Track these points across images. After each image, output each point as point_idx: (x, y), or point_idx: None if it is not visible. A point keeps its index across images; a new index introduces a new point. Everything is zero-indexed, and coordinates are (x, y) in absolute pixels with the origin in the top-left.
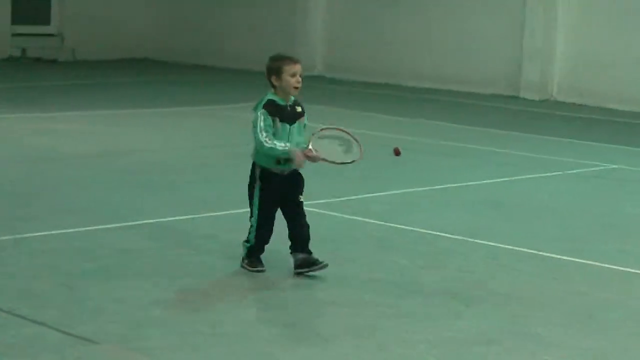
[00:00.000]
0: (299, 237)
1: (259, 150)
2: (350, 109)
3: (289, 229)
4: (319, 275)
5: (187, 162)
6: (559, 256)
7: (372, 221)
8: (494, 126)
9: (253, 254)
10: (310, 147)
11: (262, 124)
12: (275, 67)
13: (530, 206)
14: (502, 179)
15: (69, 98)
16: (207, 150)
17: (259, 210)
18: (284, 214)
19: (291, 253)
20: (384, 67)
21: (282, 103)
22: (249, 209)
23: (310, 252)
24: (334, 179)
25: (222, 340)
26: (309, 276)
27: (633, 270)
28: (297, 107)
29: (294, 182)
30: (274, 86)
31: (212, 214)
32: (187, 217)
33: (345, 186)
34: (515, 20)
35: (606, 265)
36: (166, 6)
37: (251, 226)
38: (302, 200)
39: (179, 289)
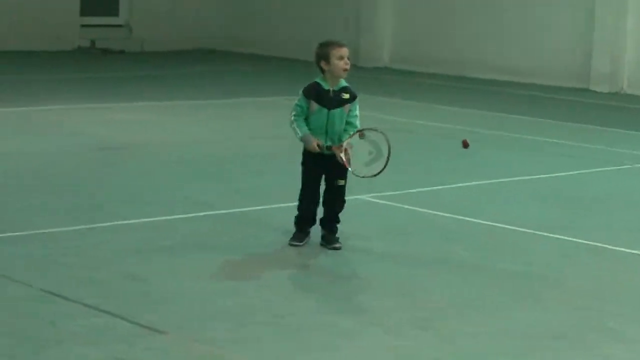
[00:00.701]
0: (326, 215)
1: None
2: (417, 101)
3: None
4: (383, 266)
5: (253, 152)
6: (629, 250)
7: (440, 213)
8: (564, 119)
9: (297, 226)
10: (345, 143)
11: (296, 102)
12: (323, 52)
13: (600, 199)
14: (571, 172)
15: (136, 89)
16: (272, 140)
17: (302, 185)
18: (324, 192)
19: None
20: (452, 59)
21: (325, 87)
22: None
23: (333, 231)
24: (401, 170)
25: (284, 332)
26: (368, 267)
27: None
28: (344, 94)
29: (334, 165)
30: (323, 71)
31: (278, 205)
32: (249, 208)
33: (412, 178)
34: (585, 12)
35: None
36: None
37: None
38: (341, 184)
39: (245, 281)
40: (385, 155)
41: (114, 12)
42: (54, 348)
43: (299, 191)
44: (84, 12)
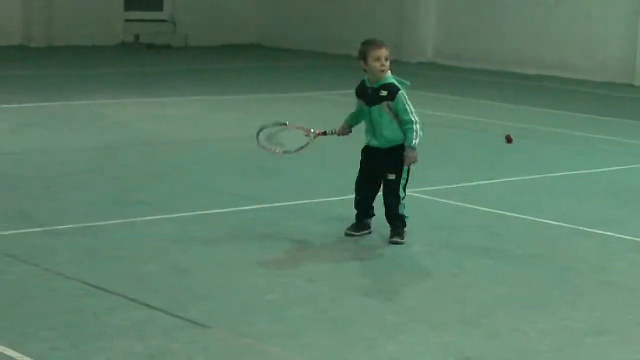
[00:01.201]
0: (386, 213)
1: None
2: (460, 96)
3: None
4: (428, 261)
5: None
6: None
7: (484, 209)
8: (609, 114)
9: (356, 216)
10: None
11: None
12: (362, 51)
13: None
14: (616, 168)
15: (180, 83)
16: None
17: (357, 178)
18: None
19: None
20: (496, 54)
21: (367, 85)
22: None
23: (396, 225)
24: (446, 165)
25: (328, 327)
26: (413, 262)
27: None
28: (382, 91)
29: (384, 159)
30: (364, 71)
31: (325, 199)
32: (296, 202)
33: (456, 173)
34: (631, 6)
35: None
36: None
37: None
38: (391, 178)
39: (287, 275)
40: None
41: (158, 7)
42: (95, 341)
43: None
44: (127, 7)
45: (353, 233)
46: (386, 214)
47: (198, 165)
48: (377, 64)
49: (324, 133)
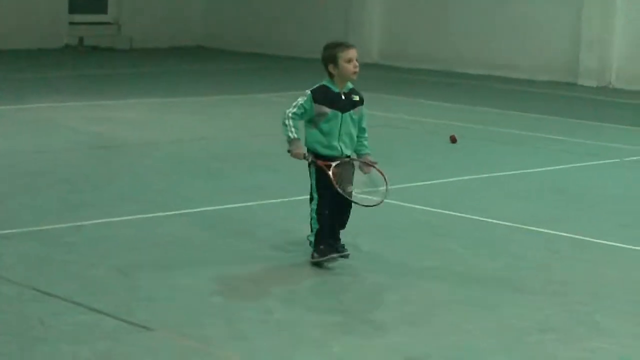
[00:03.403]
0: (341, 226)
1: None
2: (405, 96)
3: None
4: (372, 262)
5: (241, 150)
6: (617, 244)
7: (427, 208)
8: (552, 113)
9: (321, 241)
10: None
11: (299, 101)
12: (330, 54)
13: (589, 194)
14: (559, 167)
15: (125, 86)
16: (260, 138)
17: (318, 195)
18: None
19: None
20: (440, 55)
21: (336, 90)
22: (307, 196)
23: (339, 238)
24: (390, 166)
25: (274, 328)
26: (357, 263)
27: None
28: (353, 96)
29: (349, 169)
30: (331, 75)
31: (266, 201)
32: (241, 204)
33: (401, 173)
34: (573, 6)
35: None
36: None
37: (311, 210)
38: (350, 190)
39: (232, 277)
40: (382, 190)
41: (103, 10)
42: (41, 346)
43: (313, 202)
44: (72, 10)
45: (325, 259)
46: (340, 227)
47: (144, 168)
48: (349, 66)
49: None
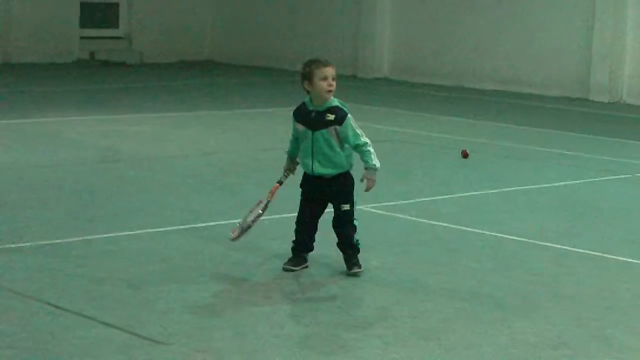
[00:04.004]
0: (342, 242)
1: None
2: (416, 112)
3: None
4: (383, 277)
5: (250, 164)
6: (629, 259)
7: (440, 223)
8: (564, 128)
9: (293, 251)
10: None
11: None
12: (306, 71)
13: (600, 209)
14: (571, 182)
15: (135, 100)
16: (270, 152)
17: (299, 209)
18: (333, 218)
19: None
20: (451, 70)
21: (309, 108)
22: None
23: (350, 255)
24: (401, 181)
25: (285, 343)
26: (368, 278)
27: None
28: (328, 115)
29: (332, 188)
30: (307, 92)
31: (276, 216)
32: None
33: (412, 188)
34: (584, 21)
35: None
36: (232, 9)
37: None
38: (345, 209)
39: (244, 291)
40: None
41: (114, 24)
42: None
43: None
44: (83, 24)
45: (292, 268)
46: (342, 244)
47: (154, 182)
48: (324, 84)
49: (280, 184)
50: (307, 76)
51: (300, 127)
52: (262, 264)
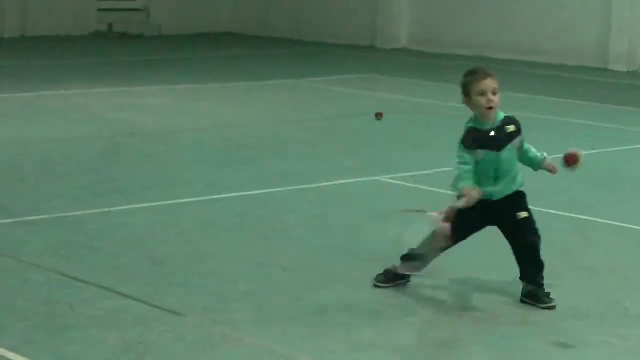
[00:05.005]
0: (526, 255)
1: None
2: (434, 81)
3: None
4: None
5: (266, 137)
6: None
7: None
8: (583, 98)
9: (398, 267)
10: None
11: (457, 160)
12: (463, 84)
13: (620, 179)
14: (590, 152)
15: (153, 73)
16: (286, 124)
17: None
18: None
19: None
20: (469, 39)
21: (483, 128)
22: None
23: (540, 285)
24: (418, 151)
25: (303, 314)
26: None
27: None
28: (507, 127)
29: (505, 205)
30: (470, 107)
31: (293, 187)
32: (266, 190)
33: (429, 158)
34: None
35: None
36: None
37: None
38: (524, 216)
39: (263, 263)
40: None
41: None
42: (71, 332)
43: None
44: None
45: (382, 285)
46: (526, 256)
47: (172, 155)
48: (482, 99)
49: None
50: (464, 89)
51: (481, 153)
52: (279, 236)
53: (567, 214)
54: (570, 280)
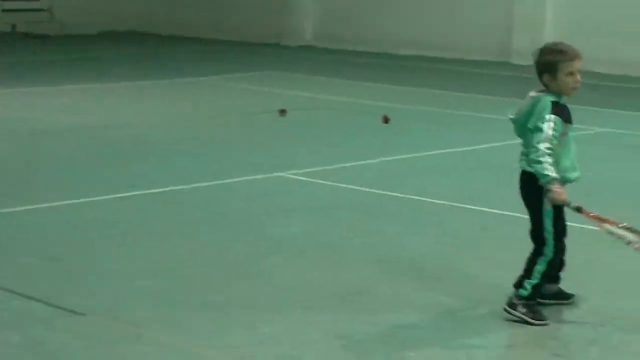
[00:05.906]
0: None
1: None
2: (340, 78)
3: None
4: (304, 243)
5: (167, 135)
6: None
7: (361, 188)
8: (486, 92)
9: (536, 294)
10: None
11: (550, 131)
12: (549, 62)
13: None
14: (492, 144)
15: (58, 72)
16: (188, 123)
17: (552, 235)
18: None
19: None
20: (375, 36)
21: (562, 103)
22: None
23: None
24: (322, 146)
25: (204, 310)
26: (292, 239)
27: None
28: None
29: None
30: (545, 85)
31: (196, 184)
32: (172, 188)
33: (333, 154)
34: None
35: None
36: None
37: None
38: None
39: (166, 261)
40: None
41: None
42: None
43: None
44: None
45: (547, 322)
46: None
47: (76, 153)
48: (570, 80)
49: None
50: (549, 67)
51: (567, 128)
52: (177, 233)
53: (466, 205)
54: (470, 271)
